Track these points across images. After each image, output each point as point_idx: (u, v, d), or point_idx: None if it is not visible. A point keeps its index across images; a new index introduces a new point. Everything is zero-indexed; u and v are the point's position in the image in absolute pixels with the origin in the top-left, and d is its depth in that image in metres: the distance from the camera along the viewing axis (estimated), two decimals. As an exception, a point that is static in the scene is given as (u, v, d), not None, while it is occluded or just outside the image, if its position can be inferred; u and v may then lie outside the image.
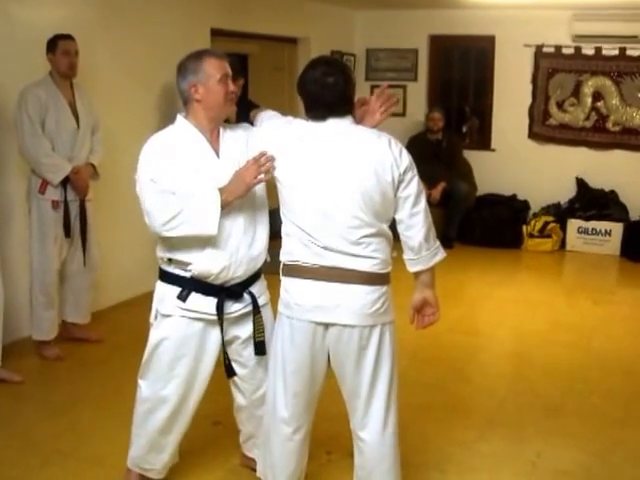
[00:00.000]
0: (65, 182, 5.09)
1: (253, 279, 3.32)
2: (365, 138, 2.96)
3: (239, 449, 3.76)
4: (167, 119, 5.76)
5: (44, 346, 5.27)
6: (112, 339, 5.57)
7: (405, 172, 2.92)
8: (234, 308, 3.28)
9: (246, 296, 3.28)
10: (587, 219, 8.65)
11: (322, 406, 3.29)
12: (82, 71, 5.24)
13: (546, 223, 8.69)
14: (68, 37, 5.09)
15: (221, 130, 3.22)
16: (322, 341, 3.03)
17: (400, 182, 2.92)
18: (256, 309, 3.29)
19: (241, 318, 3.32)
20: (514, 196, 9.15)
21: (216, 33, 7.26)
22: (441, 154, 8.89)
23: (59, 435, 4.14)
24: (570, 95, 8.96)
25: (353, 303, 2.97)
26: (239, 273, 3.22)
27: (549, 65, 8.99)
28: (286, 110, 4.15)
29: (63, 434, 4.15)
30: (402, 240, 3.03)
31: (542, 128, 9.16)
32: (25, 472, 3.78)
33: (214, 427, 4.18)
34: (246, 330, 3.33)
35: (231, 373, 3.37)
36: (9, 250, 5.31)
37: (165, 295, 3.24)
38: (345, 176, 2.90)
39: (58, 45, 5.04)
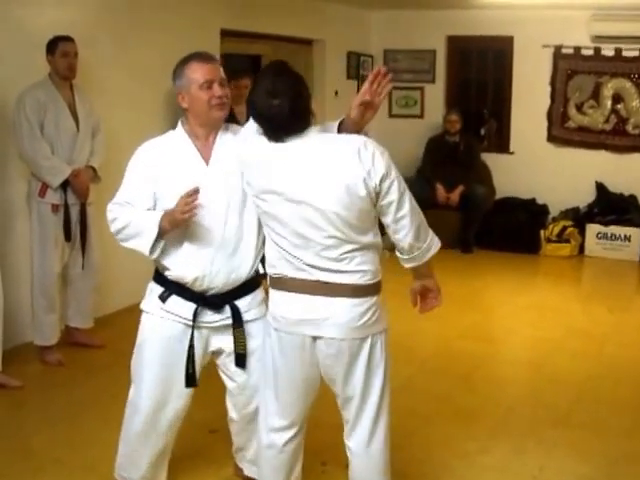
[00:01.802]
0: (65, 185, 5.06)
1: (239, 292, 3.21)
2: (331, 153, 2.77)
3: (233, 458, 3.68)
4: (173, 122, 5.72)
5: (46, 351, 5.22)
6: (115, 345, 5.48)
7: (382, 181, 2.73)
8: (213, 318, 3.20)
9: (227, 308, 3.19)
10: (606, 224, 8.54)
11: (318, 415, 3.21)
12: (85, 73, 5.22)
13: (564, 228, 8.59)
14: (68, 39, 5.05)
15: (219, 134, 3.15)
16: (311, 353, 2.94)
17: (378, 193, 2.75)
18: (236, 323, 3.19)
19: (224, 330, 3.23)
20: (532, 200, 9.04)
21: (226, 34, 7.19)
22: (459, 157, 8.83)
23: (56, 442, 4.09)
24: (589, 97, 8.84)
25: (340, 316, 2.86)
26: (216, 284, 3.14)
27: (568, 66, 8.87)
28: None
29: (60, 441, 4.10)
30: (393, 241, 2.91)
31: (561, 131, 9.05)
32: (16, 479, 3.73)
33: (211, 435, 4.11)
34: (230, 343, 3.24)
35: (190, 383, 3.22)
36: (11, 254, 5.29)
37: (151, 292, 3.24)
38: (316, 199, 2.75)
39: (57, 47, 5.01)
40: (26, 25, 5.32)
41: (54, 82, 5.07)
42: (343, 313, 2.85)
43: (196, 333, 3.17)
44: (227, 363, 3.30)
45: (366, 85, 2.95)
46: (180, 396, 3.26)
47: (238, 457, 3.62)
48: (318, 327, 2.87)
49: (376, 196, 2.76)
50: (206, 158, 3.10)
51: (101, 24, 5.89)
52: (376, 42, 9.75)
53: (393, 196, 2.78)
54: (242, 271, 3.16)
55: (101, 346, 5.49)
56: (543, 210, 8.93)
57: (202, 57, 3.10)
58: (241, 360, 3.22)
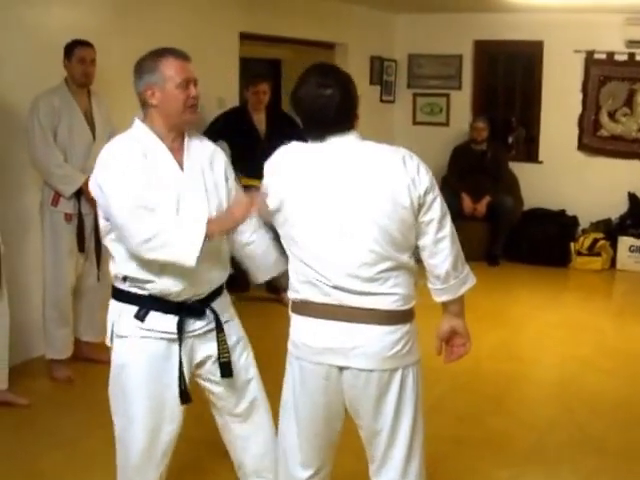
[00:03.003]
0: (79, 194, 4.93)
1: (214, 295, 3.09)
2: (375, 157, 2.60)
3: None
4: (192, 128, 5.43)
5: (56, 366, 5.10)
6: (125, 361, 5.31)
7: (426, 193, 2.55)
8: (197, 326, 3.03)
9: (208, 313, 3.05)
10: (639, 237, 8.34)
11: (344, 440, 2.93)
12: (100, 78, 5.08)
13: (595, 240, 8.40)
14: (85, 44, 4.95)
15: (186, 139, 2.99)
16: (337, 384, 2.68)
17: (420, 205, 2.55)
18: (219, 328, 3.06)
19: (206, 336, 3.07)
20: (562, 211, 8.88)
21: (245, 37, 7.06)
22: (486, 166, 8.68)
23: (60, 465, 3.96)
24: (623, 105, 8.66)
25: (370, 345, 2.61)
26: (201, 291, 3.01)
27: (600, 72, 8.69)
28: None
29: (65, 464, 3.97)
30: (427, 268, 2.67)
31: (592, 139, 8.88)
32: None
33: (224, 459, 3.73)
34: (215, 349, 3.09)
35: (185, 399, 3.01)
36: (23, 265, 5.20)
37: (121, 315, 2.97)
38: (355, 205, 2.55)
39: (74, 52, 4.90)
40: (42, 28, 5.23)
41: (70, 88, 4.94)
42: (374, 342, 2.61)
43: (182, 346, 3.00)
44: (214, 370, 3.12)
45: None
46: (173, 419, 3.05)
47: (240, 474, 3.41)
48: (346, 357, 2.62)
49: (418, 208, 2.55)
50: (179, 163, 2.94)
51: (117, 29, 5.78)
52: (400, 46, 9.63)
53: (435, 214, 2.58)
54: (222, 275, 3.11)
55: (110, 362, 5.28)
56: (573, 222, 8.77)
57: (178, 54, 2.93)
58: (226, 368, 3.07)
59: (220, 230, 2.87)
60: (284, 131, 6.72)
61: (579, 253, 8.39)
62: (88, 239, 5.03)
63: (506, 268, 8.30)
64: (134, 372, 2.97)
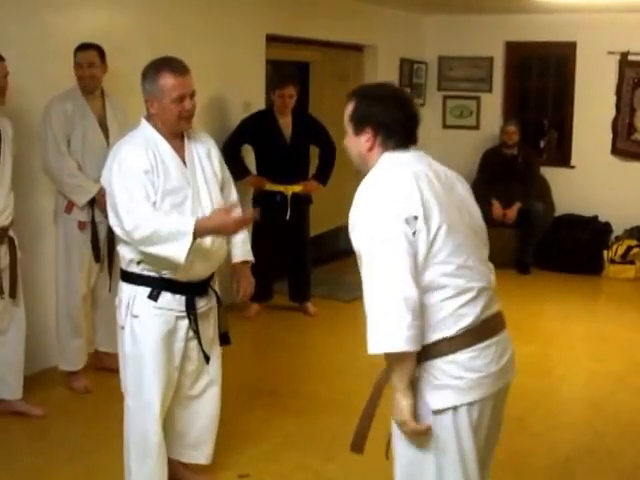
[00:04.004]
0: (93, 202, 4.84)
1: (213, 275, 3.53)
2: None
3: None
4: (215, 129, 5.42)
5: (72, 377, 5.03)
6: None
7: None
8: (200, 304, 3.44)
9: (210, 291, 3.49)
10: (675, 244, 8.20)
11: None
12: (125, 82, 5.00)
13: (629, 248, 8.26)
14: (86, 47, 4.82)
15: (185, 137, 3.38)
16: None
17: None
18: (219, 303, 3.54)
19: (205, 316, 3.49)
20: (595, 217, 8.72)
21: (272, 39, 6.99)
22: (516, 170, 8.55)
23: (72, 478, 3.94)
24: (658, 108, 8.55)
25: (512, 351, 2.57)
26: (209, 273, 3.46)
27: (635, 75, 8.55)
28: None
29: (76, 477, 3.94)
30: None
31: (626, 143, 8.72)
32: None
33: None
34: (206, 330, 3.51)
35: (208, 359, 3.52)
36: (38, 274, 5.16)
37: (136, 296, 3.33)
38: (467, 201, 2.59)
39: (75, 56, 4.81)
40: (56, 31, 5.17)
41: (83, 92, 4.86)
42: (511, 347, 2.59)
43: (187, 322, 3.39)
44: (194, 346, 3.49)
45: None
46: (173, 385, 3.47)
47: (175, 448, 3.66)
48: (507, 372, 2.53)
49: None
50: (182, 158, 3.34)
51: (139, 31, 5.73)
52: (430, 48, 9.53)
53: None
54: (223, 255, 3.49)
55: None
56: (606, 228, 8.61)
57: (175, 69, 3.26)
58: (226, 338, 3.58)
59: (208, 234, 3.24)
60: (310, 135, 6.67)
61: (612, 261, 8.25)
62: (102, 248, 4.95)
63: (536, 276, 8.16)
64: (148, 345, 3.32)
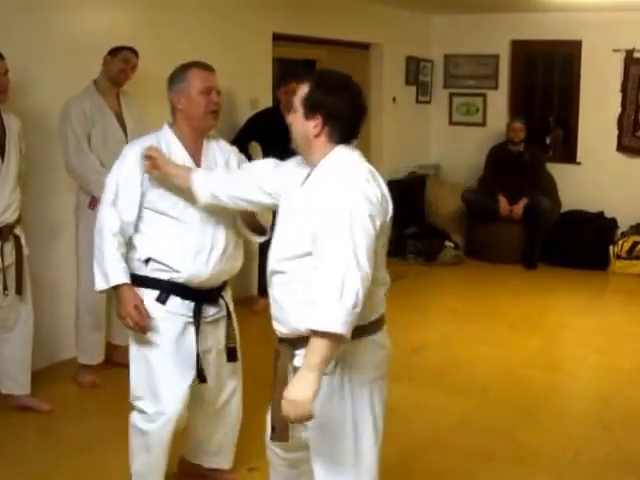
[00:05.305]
0: None
1: (224, 285, 3.46)
2: None
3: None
4: (224, 129, 5.46)
5: (82, 371, 5.05)
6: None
7: None
8: (210, 312, 3.38)
9: (220, 301, 3.42)
10: (681, 239, 8.17)
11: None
12: (133, 80, 5.08)
13: (635, 243, 8.23)
14: (134, 51, 5.00)
15: (205, 141, 3.36)
16: None
17: None
18: (229, 315, 3.44)
19: (216, 323, 3.41)
20: (601, 213, 8.71)
21: (279, 38, 7.00)
22: (522, 167, 8.55)
23: (79, 474, 3.93)
24: (663, 104, 8.51)
25: None
26: (219, 282, 3.38)
27: None
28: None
29: (84, 473, 3.93)
30: None
31: (632, 140, 8.72)
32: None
33: (249, 473, 3.84)
34: (217, 340, 3.43)
35: (203, 379, 3.36)
36: (53, 269, 5.22)
37: (144, 299, 3.28)
38: None
39: (121, 52, 4.94)
40: (72, 32, 5.22)
41: (100, 90, 4.92)
42: None
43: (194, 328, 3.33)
44: (212, 361, 3.42)
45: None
46: (179, 400, 3.35)
47: (194, 452, 3.70)
48: None
49: None
50: (197, 162, 3.30)
51: (148, 30, 5.75)
52: (436, 47, 9.57)
53: None
54: (236, 266, 3.41)
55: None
56: (612, 224, 8.59)
57: (203, 65, 3.32)
58: (233, 354, 3.45)
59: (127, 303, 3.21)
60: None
61: (618, 256, 8.23)
62: None
63: (543, 272, 8.15)
64: (161, 350, 3.29)
